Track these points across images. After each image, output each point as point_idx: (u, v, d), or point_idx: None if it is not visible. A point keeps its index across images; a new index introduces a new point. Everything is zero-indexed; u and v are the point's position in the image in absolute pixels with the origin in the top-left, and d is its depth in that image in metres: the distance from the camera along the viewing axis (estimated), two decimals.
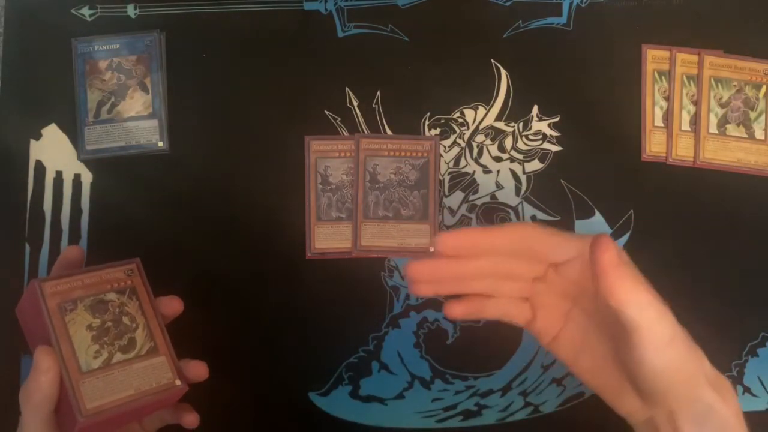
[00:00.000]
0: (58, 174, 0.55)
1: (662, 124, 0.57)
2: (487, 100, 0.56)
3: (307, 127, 0.55)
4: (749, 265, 0.55)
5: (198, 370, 0.44)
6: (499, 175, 0.56)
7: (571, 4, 0.58)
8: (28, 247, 0.54)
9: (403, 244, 0.54)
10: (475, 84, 0.56)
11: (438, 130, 0.56)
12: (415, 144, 0.55)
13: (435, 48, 0.57)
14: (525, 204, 0.55)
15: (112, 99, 0.55)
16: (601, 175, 0.56)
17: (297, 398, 0.53)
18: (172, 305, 0.45)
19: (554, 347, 0.39)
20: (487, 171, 0.56)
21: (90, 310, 0.41)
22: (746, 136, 0.57)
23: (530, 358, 0.54)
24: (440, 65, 0.56)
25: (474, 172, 0.56)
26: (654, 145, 0.56)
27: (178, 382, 0.42)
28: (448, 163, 0.55)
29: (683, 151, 0.56)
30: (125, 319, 0.42)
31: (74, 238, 0.54)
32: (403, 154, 0.55)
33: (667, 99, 0.57)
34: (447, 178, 0.55)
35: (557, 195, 0.55)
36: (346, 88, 0.56)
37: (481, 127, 0.56)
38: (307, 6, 0.57)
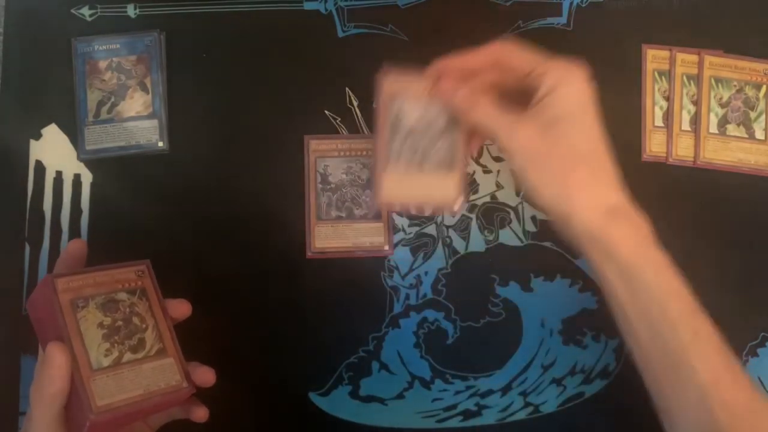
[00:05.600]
0: (58, 174, 0.55)
1: (662, 124, 0.57)
2: None
3: (307, 127, 0.55)
4: (749, 265, 0.55)
5: (205, 376, 0.44)
6: (499, 175, 0.56)
7: (571, 4, 0.58)
8: (28, 247, 0.54)
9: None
10: None
11: None
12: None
13: (435, 48, 0.57)
14: (525, 204, 0.55)
15: (112, 99, 0.55)
16: None
17: (297, 398, 0.53)
18: (181, 308, 0.45)
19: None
20: (487, 171, 0.56)
21: (101, 308, 0.42)
22: (746, 136, 0.57)
23: (530, 358, 0.54)
24: None
25: (474, 172, 0.56)
26: (654, 145, 0.56)
27: (185, 385, 0.43)
28: None
29: (683, 151, 0.56)
30: (135, 320, 0.43)
31: (74, 238, 0.54)
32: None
33: (667, 99, 0.57)
34: None
35: None
36: (346, 88, 0.56)
37: None
38: (307, 6, 0.57)
